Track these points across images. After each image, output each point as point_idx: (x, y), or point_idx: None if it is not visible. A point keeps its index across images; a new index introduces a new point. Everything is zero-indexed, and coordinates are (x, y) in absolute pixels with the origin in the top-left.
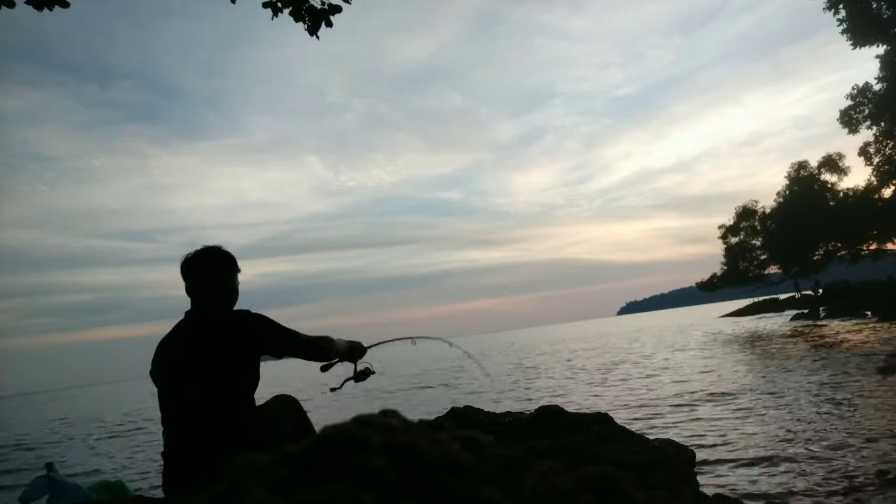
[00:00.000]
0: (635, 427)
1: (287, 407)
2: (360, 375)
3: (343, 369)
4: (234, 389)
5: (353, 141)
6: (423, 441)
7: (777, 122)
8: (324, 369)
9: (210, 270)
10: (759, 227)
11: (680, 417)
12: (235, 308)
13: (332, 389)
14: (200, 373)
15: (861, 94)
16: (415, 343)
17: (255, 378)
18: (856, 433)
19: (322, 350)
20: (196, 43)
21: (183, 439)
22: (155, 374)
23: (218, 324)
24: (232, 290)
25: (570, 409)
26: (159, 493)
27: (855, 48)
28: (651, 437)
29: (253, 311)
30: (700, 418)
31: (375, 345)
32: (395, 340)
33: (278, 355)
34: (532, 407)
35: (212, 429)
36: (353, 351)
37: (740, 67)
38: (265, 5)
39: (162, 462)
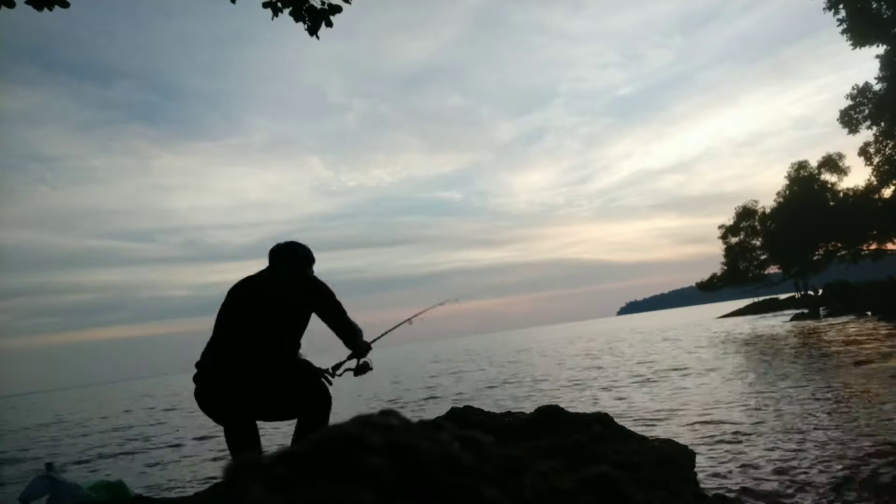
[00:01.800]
0: (635, 427)
1: (318, 406)
2: (361, 369)
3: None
4: (288, 328)
5: (353, 141)
6: (422, 441)
7: (777, 122)
8: (335, 368)
9: (295, 254)
10: (759, 227)
11: (681, 418)
12: None
13: (333, 374)
14: (266, 306)
15: (861, 94)
16: (412, 323)
17: (304, 326)
18: (857, 435)
19: (354, 337)
20: (196, 43)
21: (231, 344)
22: (225, 302)
23: (290, 278)
24: (305, 272)
25: (570, 409)
26: (159, 493)
27: (855, 48)
28: (651, 437)
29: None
30: (701, 420)
31: (377, 338)
32: (393, 329)
33: (326, 321)
34: (532, 407)
35: (260, 343)
36: (363, 349)
37: (740, 67)
38: (265, 5)
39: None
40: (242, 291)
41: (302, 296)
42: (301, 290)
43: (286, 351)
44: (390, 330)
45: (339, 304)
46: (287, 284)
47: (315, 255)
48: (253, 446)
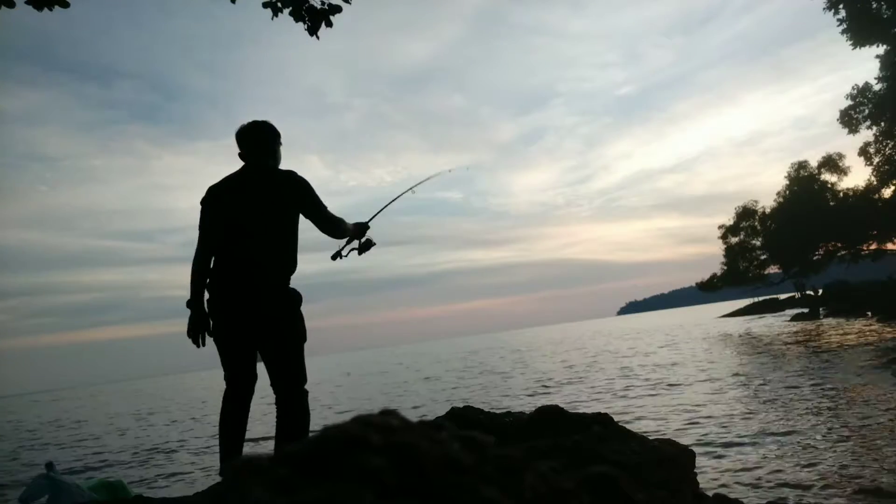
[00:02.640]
0: (634, 427)
1: (297, 400)
2: (364, 247)
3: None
4: (282, 231)
5: (353, 141)
6: (423, 441)
7: (777, 122)
8: (334, 258)
9: (261, 133)
10: (759, 227)
11: (680, 418)
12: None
13: (337, 257)
14: (255, 209)
15: (861, 94)
16: (414, 192)
17: (296, 232)
18: (857, 435)
19: (339, 229)
20: (196, 43)
21: (240, 252)
22: (207, 203)
23: (268, 175)
24: (276, 152)
25: (570, 409)
26: (159, 493)
27: (855, 48)
28: (651, 437)
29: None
30: (701, 419)
31: (376, 215)
32: (394, 200)
33: (309, 217)
34: (532, 407)
35: (266, 247)
36: (359, 231)
37: (740, 67)
38: (265, 5)
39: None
40: (229, 196)
41: (289, 192)
42: (285, 187)
43: (289, 263)
44: (392, 201)
45: (318, 197)
46: (273, 184)
47: (315, 255)
48: (248, 382)
